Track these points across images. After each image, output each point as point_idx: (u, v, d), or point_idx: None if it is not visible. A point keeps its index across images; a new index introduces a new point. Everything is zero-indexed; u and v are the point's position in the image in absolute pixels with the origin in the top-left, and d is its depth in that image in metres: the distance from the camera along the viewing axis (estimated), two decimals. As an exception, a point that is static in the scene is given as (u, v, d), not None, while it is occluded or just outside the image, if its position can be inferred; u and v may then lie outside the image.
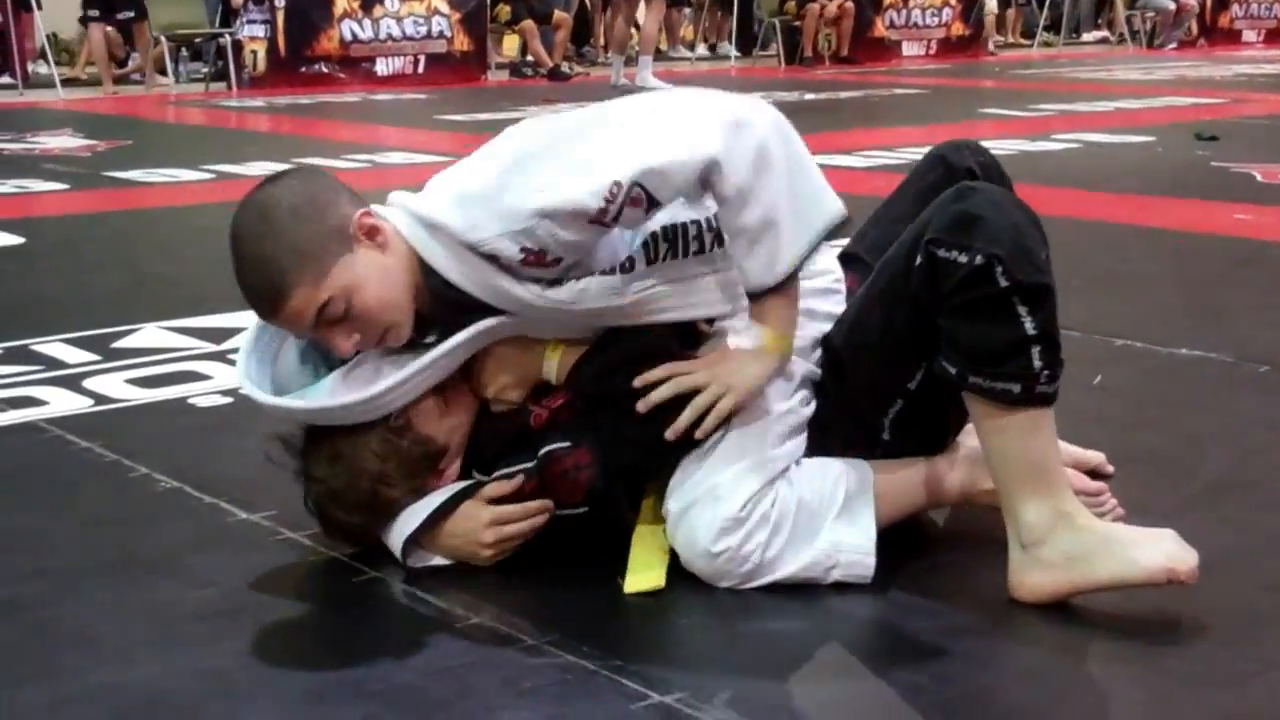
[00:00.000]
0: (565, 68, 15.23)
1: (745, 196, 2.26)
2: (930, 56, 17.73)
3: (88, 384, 3.62)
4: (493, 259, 2.30)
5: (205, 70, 14.47)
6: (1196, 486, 2.89)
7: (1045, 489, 2.30)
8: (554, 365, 2.46)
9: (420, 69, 14.45)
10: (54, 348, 3.96)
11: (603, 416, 2.42)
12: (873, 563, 2.38)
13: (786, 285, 2.33)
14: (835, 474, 2.43)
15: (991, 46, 18.80)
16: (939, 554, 2.55)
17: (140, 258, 5.56)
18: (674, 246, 2.41)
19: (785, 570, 2.36)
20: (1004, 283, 2.23)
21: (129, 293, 4.79)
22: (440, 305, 2.39)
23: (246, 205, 2.36)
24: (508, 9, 15.18)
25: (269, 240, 2.29)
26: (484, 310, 2.38)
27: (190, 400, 3.51)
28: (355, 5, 14.07)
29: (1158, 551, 2.25)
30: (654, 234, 2.40)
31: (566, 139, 2.33)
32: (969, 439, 2.55)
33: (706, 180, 2.26)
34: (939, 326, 2.30)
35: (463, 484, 2.47)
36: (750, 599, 2.34)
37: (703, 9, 18.00)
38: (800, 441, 2.46)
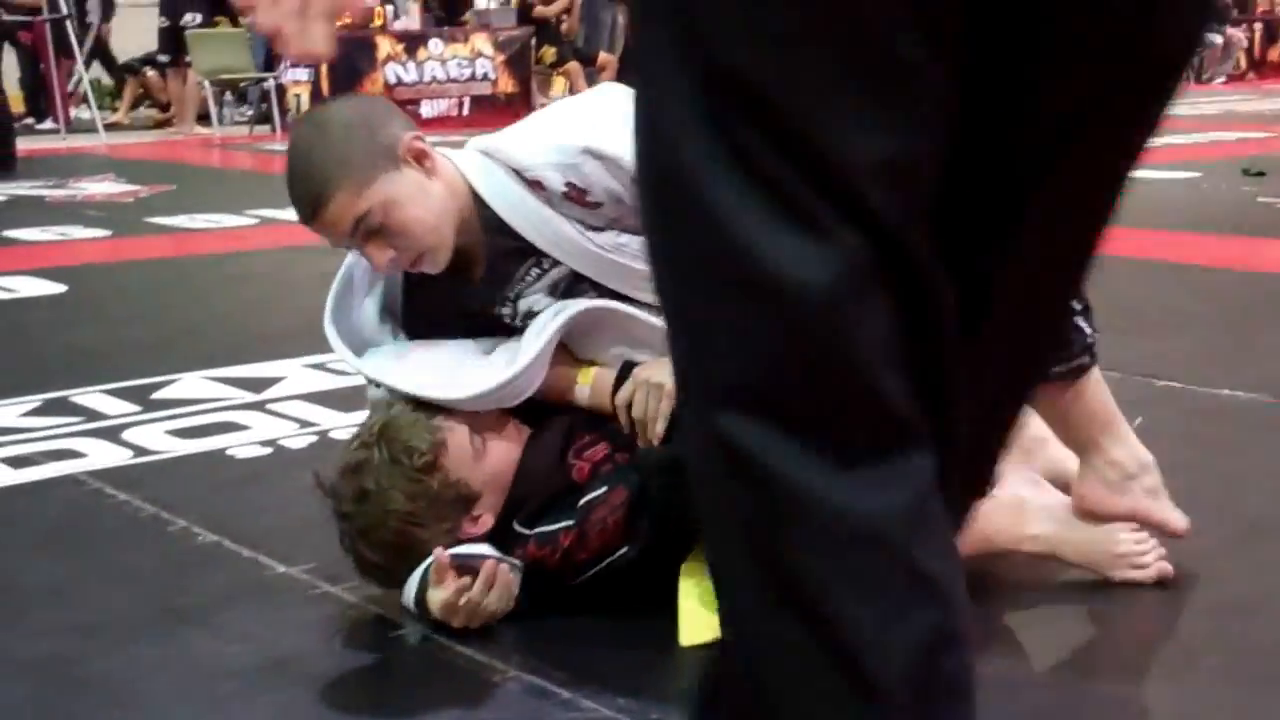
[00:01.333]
0: (608, 108, 15.27)
1: None
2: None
3: (127, 435, 3.65)
4: (538, 186, 2.44)
5: (250, 114, 14.58)
6: (1236, 528, 2.87)
7: (1121, 430, 2.54)
8: (586, 390, 2.51)
9: (465, 111, 14.52)
10: (94, 399, 3.99)
11: (637, 455, 2.44)
12: None
13: None
14: None
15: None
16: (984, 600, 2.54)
17: (181, 305, 5.60)
18: None
19: None
20: None
21: (169, 341, 4.81)
22: (488, 242, 2.51)
23: (305, 119, 2.57)
24: (552, 51, 15.24)
25: (319, 150, 2.43)
26: (531, 254, 2.50)
27: (229, 451, 3.52)
28: (399, 48, 14.16)
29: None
30: None
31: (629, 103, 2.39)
32: (1005, 485, 2.56)
33: None
34: None
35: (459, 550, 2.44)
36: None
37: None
38: None
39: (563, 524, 2.43)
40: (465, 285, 2.59)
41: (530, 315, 2.58)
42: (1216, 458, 3.34)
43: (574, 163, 2.41)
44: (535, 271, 2.57)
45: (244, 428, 3.71)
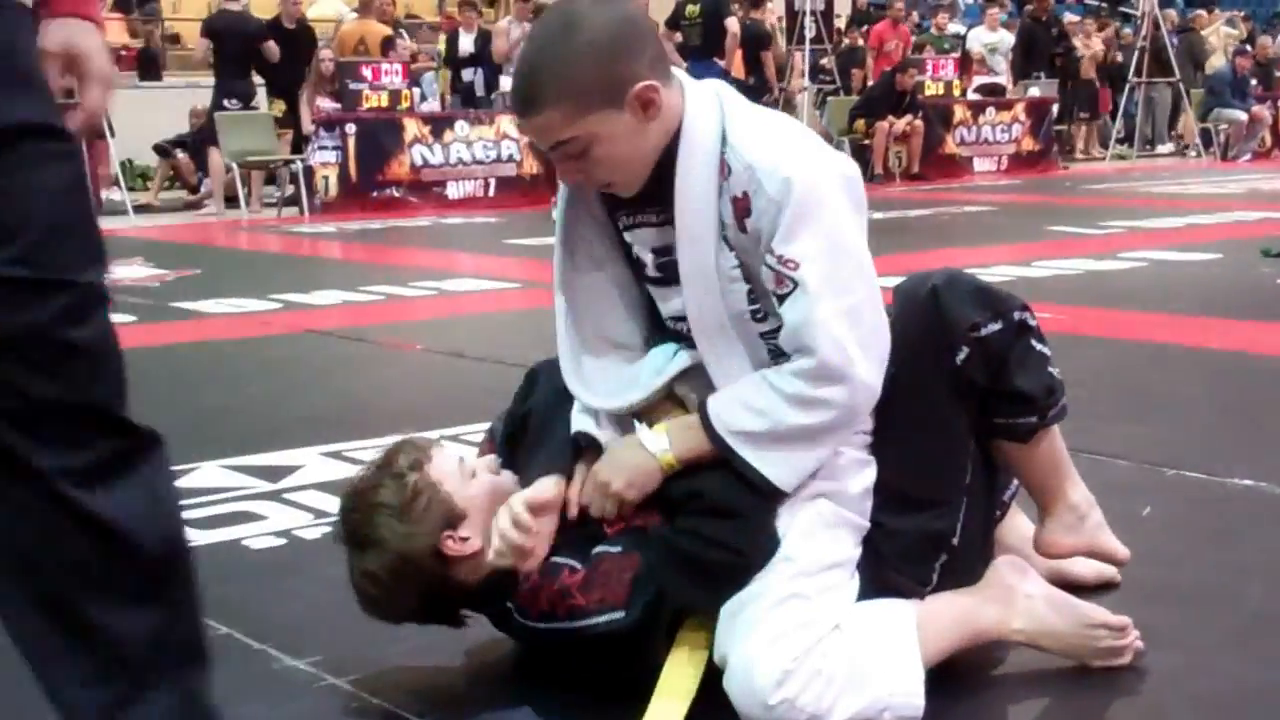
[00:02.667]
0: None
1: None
2: (1002, 172, 17.77)
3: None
4: (725, 167, 2.43)
5: (278, 195, 14.73)
6: (1238, 621, 2.88)
7: (1074, 474, 2.79)
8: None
9: (490, 192, 14.63)
10: (115, 488, 4.02)
11: (661, 534, 2.47)
12: (922, 704, 2.41)
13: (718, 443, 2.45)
14: (882, 620, 2.46)
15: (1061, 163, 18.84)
16: (977, 689, 2.56)
17: (202, 392, 5.65)
18: None
19: (837, 718, 2.36)
20: (1032, 323, 2.64)
21: (190, 430, 4.84)
22: (665, 182, 2.46)
23: (556, 10, 2.44)
24: (576, 130, 15.33)
25: (552, 52, 2.37)
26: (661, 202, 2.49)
27: (244, 542, 3.56)
28: (425, 131, 14.30)
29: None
30: None
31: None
32: (987, 579, 2.62)
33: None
34: (996, 391, 2.57)
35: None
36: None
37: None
38: (852, 588, 2.50)
39: (571, 561, 2.47)
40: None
41: (629, 250, 2.60)
42: (1222, 548, 3.35)
43: (765, 180, 2.39)
44: (654, 217, 2.55)
45: (260, 518, 3.75)
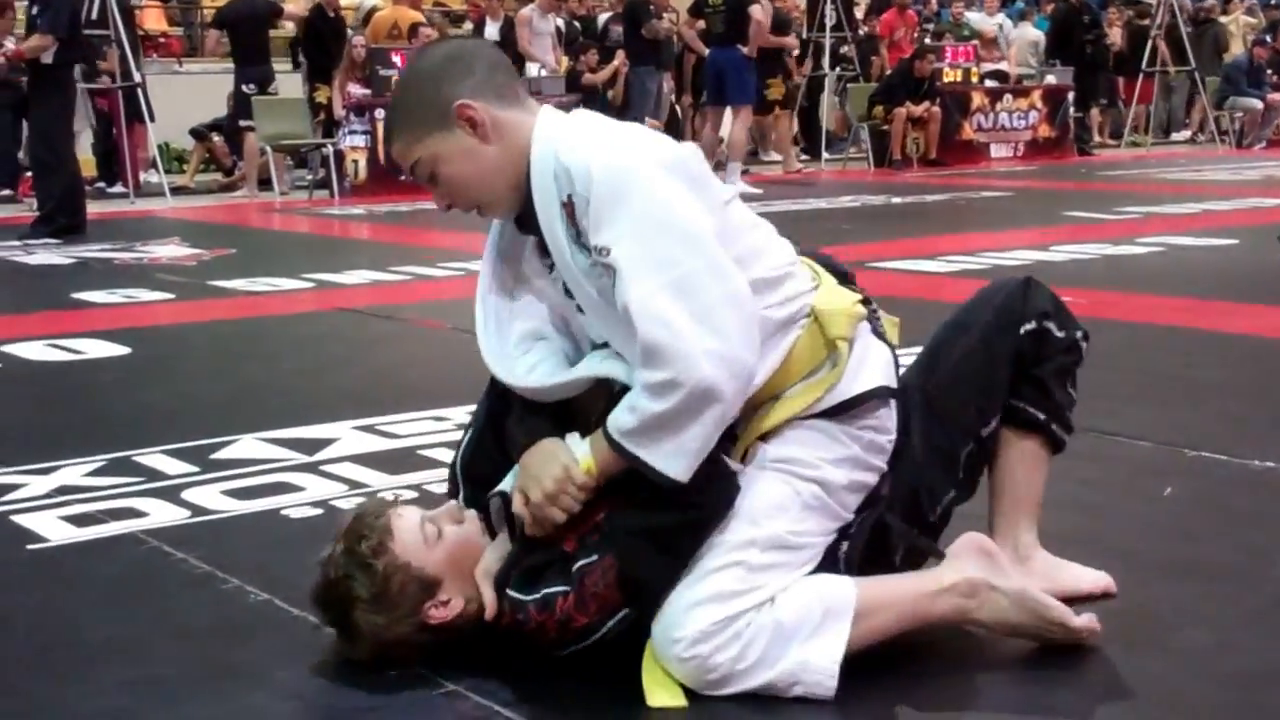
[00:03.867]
0: (657, 172, 15.40)
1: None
2: (1018, 158, 17.78)
3: (186, 495, 3.76)
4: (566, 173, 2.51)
5: (309, 178, 14.82)
6: (1261, 600, 2.92)
7: (1033, 520, 2.90)
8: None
9: (514, 176, 14.65)
10: (155, 459, 4.12)
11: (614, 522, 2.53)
12: (834, 685, 2.47)
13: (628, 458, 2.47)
14: (818, 593, 2.52)
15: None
16: (908, 667, 2.63)
17: (241, 368, 5.74)
18: None
19: (750, 683, 2.46)
20: (1082, 357, 2.88)
21: (229, 403, 4.95)
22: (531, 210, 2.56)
23: (422, 49, 2.71)
24: (600, 117, 15.40)
25: (401, 90, 2.67)
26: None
27: (283, 512, 3.63)
28: (451, 114, 14.33)
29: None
30: None
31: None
32: (953, 567, 2.64)
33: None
34: (1033, 377, 2.80)
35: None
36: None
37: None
38: (802, 573, 2.55)
39: (560, 588, 2.50)
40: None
41: (568, 292, 2.62)
42: (1243, 529, 3.39)
43: (575, 178, 2.47)
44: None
45: (298, 489, 3.82)
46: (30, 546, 3.39)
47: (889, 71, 18.03)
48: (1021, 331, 2.80)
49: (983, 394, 2.81)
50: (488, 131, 2.56)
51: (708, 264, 2.43)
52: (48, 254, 9.70)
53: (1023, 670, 2.60)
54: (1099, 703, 2.47)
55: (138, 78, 13.77)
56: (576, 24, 17.05)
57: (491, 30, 16.62)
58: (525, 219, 2.60)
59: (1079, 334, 2.86)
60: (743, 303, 2.45)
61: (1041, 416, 2.84)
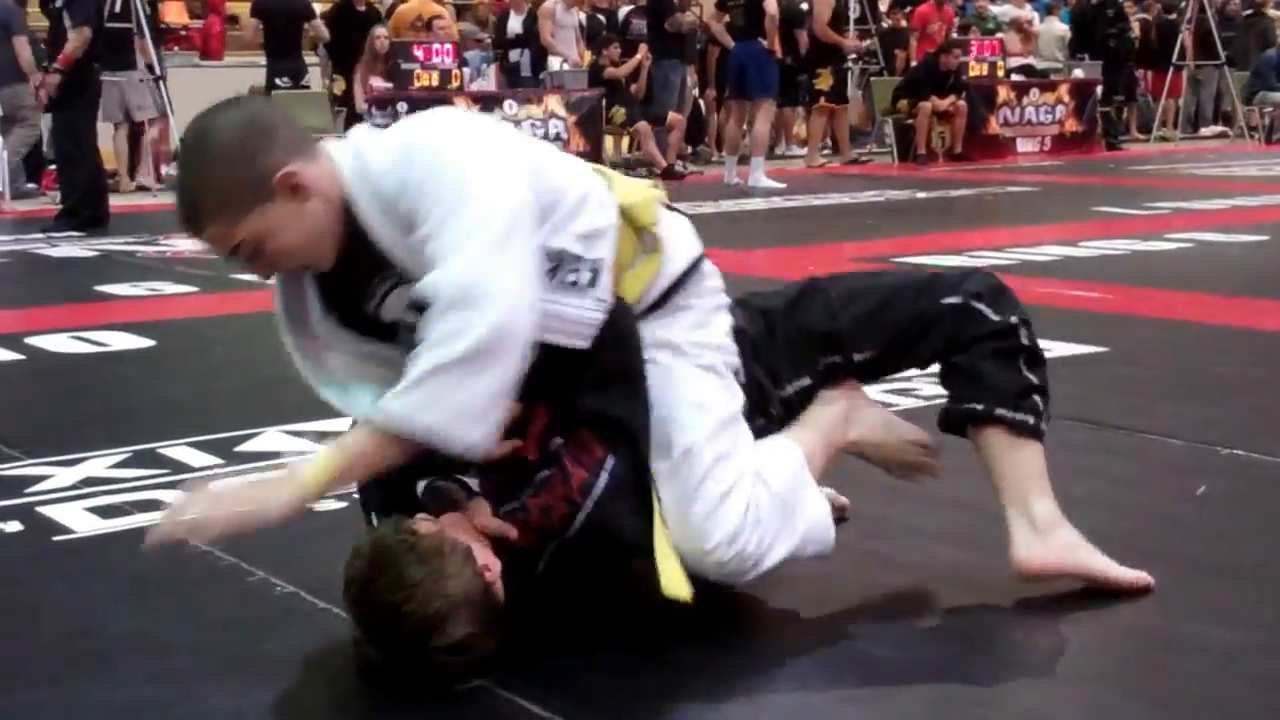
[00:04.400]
0: (679, 167, 15.42)
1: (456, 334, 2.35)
2: (1045, 153, 17.72)
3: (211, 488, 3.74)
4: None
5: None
6: (1295, 599, 2.89)
7: (1047, 491, 2.83)
8: None
9: (538, 169, 14.68)
10: (180, 451, 4.11)
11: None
12: (833, 534, 2.75)
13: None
14: (784, 462, 2.69)
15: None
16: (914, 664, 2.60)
17: (264, 360, 5.68)
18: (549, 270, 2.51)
19: (775, 558, 2.63)
20: (1025, 343, 2.79)
21: (252, 396, 4.94)
22: (357, 259, 2.52)
23: (191, 128, 2.53)
24: (622, 111, 15.41)
25: (195, 171, 2.49)
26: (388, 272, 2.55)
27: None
28: (475, 109, 14.34)
29: (1133, 571, 2.82)
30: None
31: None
32: (828, 398, 2.86)
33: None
34: (958, 367, 2.80)
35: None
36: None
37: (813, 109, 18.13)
38: (750, 436, 2.71)
39: (545, 473, 2.57)
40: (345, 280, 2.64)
41: (395, 325, 2.57)
42: (1277, 527, 3.37)
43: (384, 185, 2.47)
44: (393, 279, 2.59)
45: (322, 482, 3.80)
46: (56, 538, 3.38)
47: (914, 65, 17.98)
48: (944, 302, 2.80)
49: (871, 319, 2.84)
50: (312, 190, 2.50)
51: (512, 225, 2.39)
52: (71, 247, 9.72)
53: (1051, 671, 2.58)
54: (1131, 701, 2.45)
55: (159, 71, 13.77)
56: (600, 17, 17.02)
57: (515, 24, 16.66)
58: (348, 259, 2.56)
59: (1015, 318, 2.79)
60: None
61: (980, 407, 2.78)
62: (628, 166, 15.97)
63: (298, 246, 2.53)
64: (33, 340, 5.99)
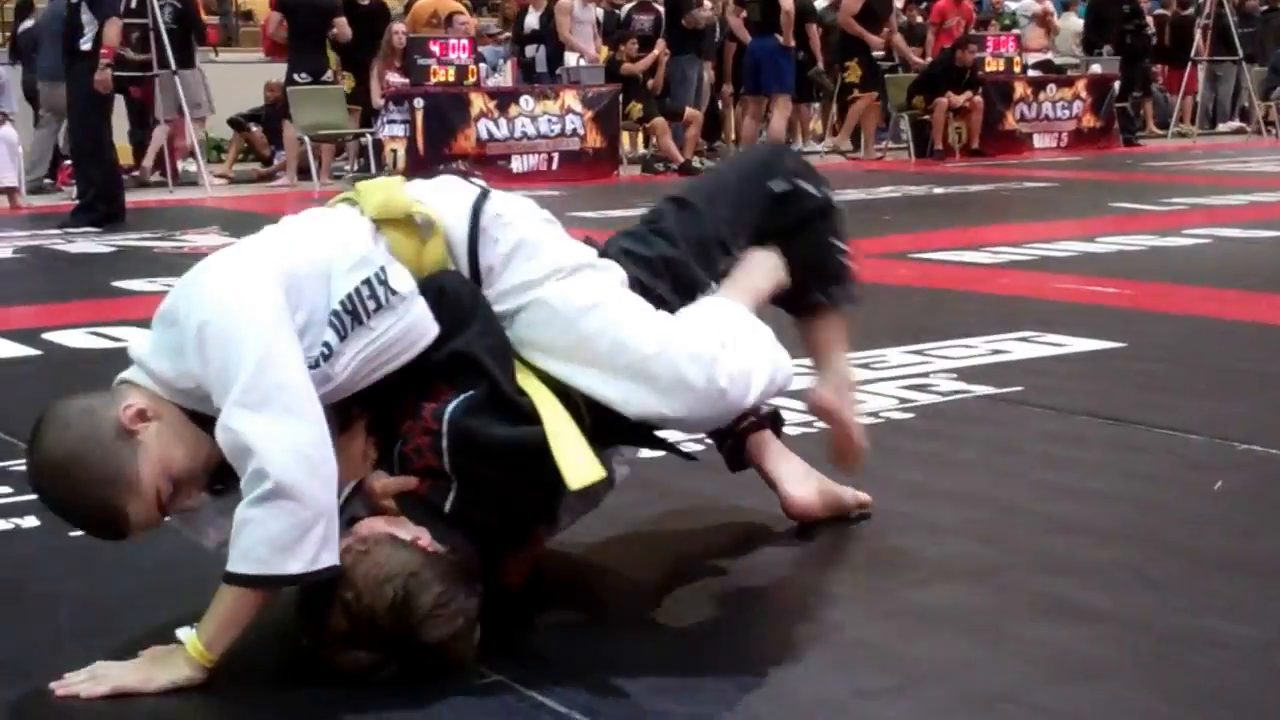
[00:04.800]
0: (696, 163, 15.42)
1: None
2: (1062, 149, 17.69)
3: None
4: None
5: (347, 168, 14.84)
6: (1315, 594, 2.88)
7: (846, 347, 3.30)
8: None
9: (554, 166, 14.71)
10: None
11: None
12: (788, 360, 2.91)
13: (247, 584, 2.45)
14: (731, 310, 2.86)
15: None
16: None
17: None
18: (355, 314, 2.57)
19: (761, 377, 2.75)
20: (836, 209, 3.18)
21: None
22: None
23: (36, 474, 2.54)
24: (639, 107, 15.40)
25: (70, 493, 2.51)
26: None
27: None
28: (491, 105, 14.38)
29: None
30: (335, 311, 2.56)
31: None
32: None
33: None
34: (795, 251, 3.05)
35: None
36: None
37: (831, 104, 18.11)
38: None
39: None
40: None
41: None
42: (1295, 523, 3.34)
43: None
44: None
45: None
46: (73, 533, 3.37)
47: (930, 60, 17.95)
48: (779, 190, 3.05)
49: (736, 218, 3.02)
50: (151, 410, 2.55)
51: (269, 379, 2.44)
52: (87, 242, 9.74)
53: (1069, 666, 2.57)
54: (1148, 696, 2.44)
55: (173, 66, 13.79)
56: (619, 12, 17.02)
57: (532, 20, 16.66)
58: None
59: (825, 190, 3.12)
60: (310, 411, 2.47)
61: (825, 299, 3.18)
62: (645, 163, 15.99)
63: (188, 455, 2.54)
64: (49, 336, 6.01)
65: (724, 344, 2.71)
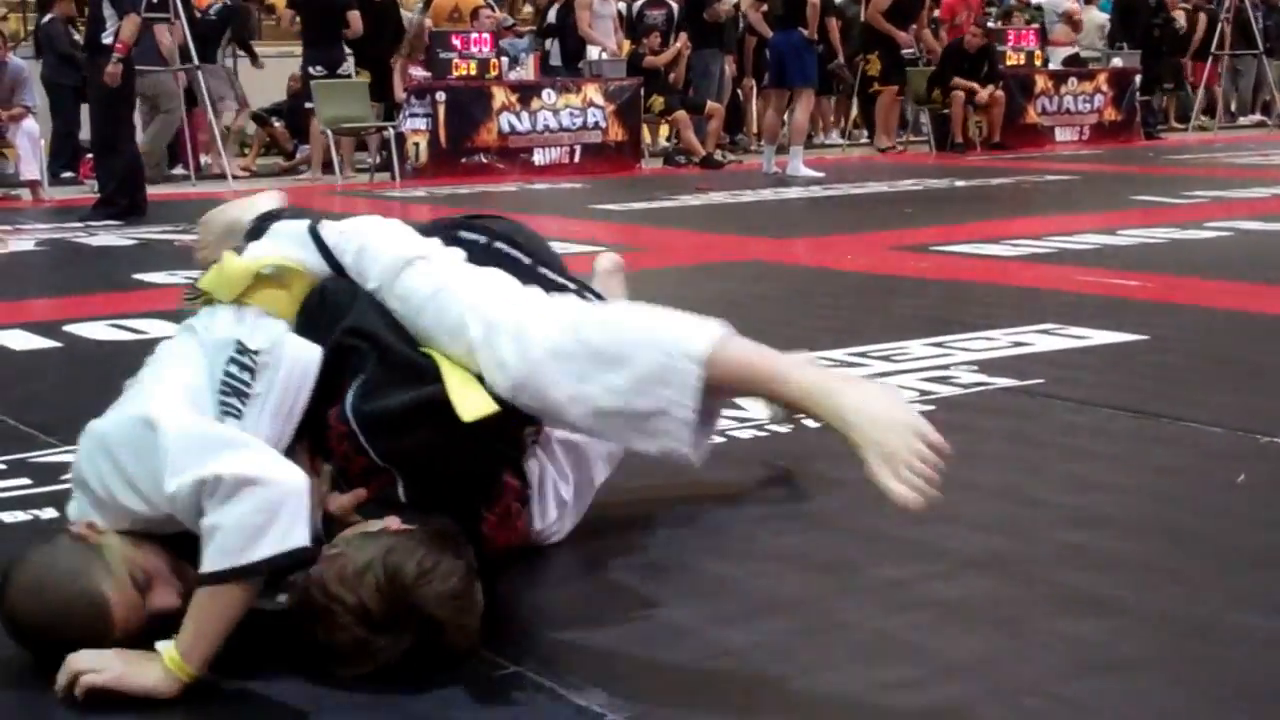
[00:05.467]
0: (718, 156, 15.41)
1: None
2: (1083, 142, 17.63)
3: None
4: None
5: (370, 161, 14.87)
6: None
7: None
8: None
9: (576, 159, 14.72)
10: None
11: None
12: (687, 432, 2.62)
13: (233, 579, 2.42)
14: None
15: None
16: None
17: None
18: (237, 392, 2.69)
19: (556, 372, 2.62)
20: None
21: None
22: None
23: (10, 615, 2.51)
24: (661, 100, 15.40)
25: (46, 610, 2.48)
26: None
27: (345, 492, 3.62)
28: (514, 99, 14.40)
29: None
30: (220, 400, 2.68)
31: None
32: None
33: None
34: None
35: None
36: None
37: (851, 97, 18.08)
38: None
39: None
40: None
41: None
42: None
43: None
44: None
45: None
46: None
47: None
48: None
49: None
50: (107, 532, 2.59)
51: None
52: (109, 235, 9.76)
53: (1091, 658, 2.56)
54: (1171, 689, 2.43)
55: (195, 60, 13.82)
56: (632, 7, 17.01)
57: (552, 14, 16.65)
58: None
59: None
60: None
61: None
62: (667, 156, 15.99)
63: (153, 551, 2.56)
64: (71, 328, 6.02)
65: (535, 320, 2.66)
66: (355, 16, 14.33)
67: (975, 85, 16.36)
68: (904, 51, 16.85)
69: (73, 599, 2.47)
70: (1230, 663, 2.52)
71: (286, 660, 2.56)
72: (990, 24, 18.36)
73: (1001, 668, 2.51)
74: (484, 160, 14.20)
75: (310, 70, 14.28)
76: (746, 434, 4.01)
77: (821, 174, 13.20)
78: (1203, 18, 20.69)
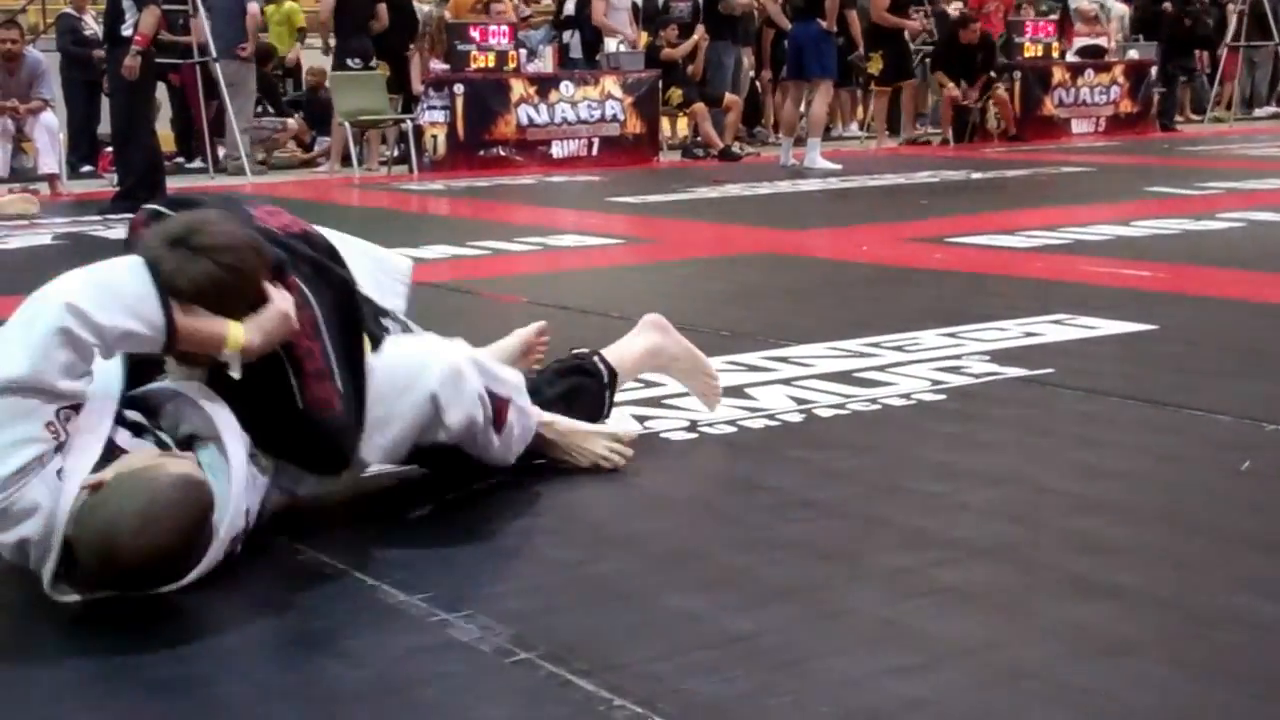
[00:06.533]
0: (736, 148, 15.42)
1: None
2: (1099, 134, 17.63)
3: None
4: None
5: (388, 154, 14.90)
6: (1340, 576, 2.87)
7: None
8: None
9: (594, 151, 14.75)
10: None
11: None
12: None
13: None
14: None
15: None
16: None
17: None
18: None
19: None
20: None
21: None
22: None
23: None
24: (679, 92, 15.41)
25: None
26: None
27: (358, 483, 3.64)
28: (532, 91, 14.43)
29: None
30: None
31: None
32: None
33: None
34: None
35: None
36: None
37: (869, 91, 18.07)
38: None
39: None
40: None
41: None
42: (1323, 503, 3.34)
43: None
44: None
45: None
46: (108, 514, 3.41)
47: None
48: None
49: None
50: None
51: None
52: (127, 229, 9.77)
53: (1095, 643, 2.58)
54: (1175, 673, 2.44)
55: (213, 52, 13.86)
56: (658, -1, 17.04)
57: (569, 4, 16.66)
58: None
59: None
60: None
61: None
62: (685, 148, 16.00)
63: None
64: (90, 321, 6.04)
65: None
66: (383, 10, 14.35)
67: (956, 89, 16.32)
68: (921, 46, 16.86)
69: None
70: (1235, 648, 2.53)
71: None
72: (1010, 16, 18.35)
73: (1005, 652, 2.52)
74: (502, 153, 14.23)
75: (347, 63, 14.23)
76: (758, 424, 4.04)
77: (839, 166, 13.21)
78: (1233, 9, 20.62)
